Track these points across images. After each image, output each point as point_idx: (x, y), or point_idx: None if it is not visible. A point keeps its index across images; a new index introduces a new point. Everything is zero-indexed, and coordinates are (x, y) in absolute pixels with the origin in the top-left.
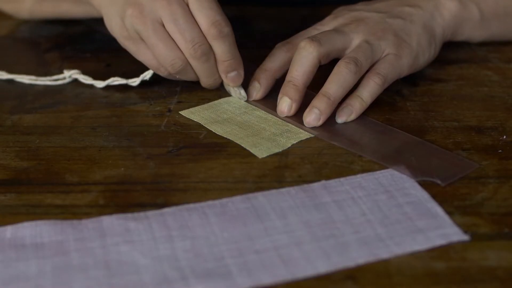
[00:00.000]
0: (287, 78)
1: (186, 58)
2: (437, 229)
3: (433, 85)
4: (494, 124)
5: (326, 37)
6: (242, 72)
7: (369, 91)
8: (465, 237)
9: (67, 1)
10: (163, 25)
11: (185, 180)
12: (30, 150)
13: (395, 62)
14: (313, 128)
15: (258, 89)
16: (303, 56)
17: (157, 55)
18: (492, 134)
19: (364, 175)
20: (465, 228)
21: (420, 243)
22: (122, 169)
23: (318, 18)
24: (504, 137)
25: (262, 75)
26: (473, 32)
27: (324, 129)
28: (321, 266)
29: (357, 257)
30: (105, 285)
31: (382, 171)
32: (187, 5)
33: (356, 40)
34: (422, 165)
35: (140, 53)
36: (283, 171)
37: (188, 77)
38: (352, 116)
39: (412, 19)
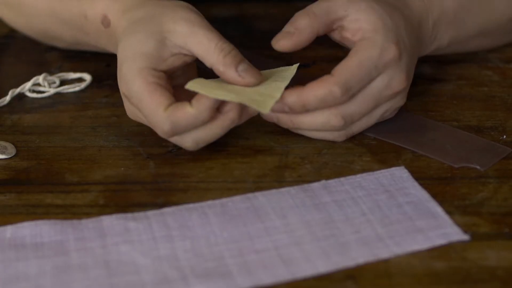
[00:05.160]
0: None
1: None
2: (437, 229)
3: (433, 85)
4: (494, 124)
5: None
6: None
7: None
8: (465, 237)
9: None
10: None
11: (185, 180)
12: (30, 150)
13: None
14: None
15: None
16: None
17: None
18: (492, 134)
19: (364, 175)
20: (465, 228)
21: (420, 243)
22: (122, 169)
23: None
24: (504, 137)
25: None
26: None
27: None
28: (321, 266)
29: (357, 257)
30: (105, 285)
31: (382, 170)
32: None
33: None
34: (459, 152)
35: None
36: (283, 171)
37: None
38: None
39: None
